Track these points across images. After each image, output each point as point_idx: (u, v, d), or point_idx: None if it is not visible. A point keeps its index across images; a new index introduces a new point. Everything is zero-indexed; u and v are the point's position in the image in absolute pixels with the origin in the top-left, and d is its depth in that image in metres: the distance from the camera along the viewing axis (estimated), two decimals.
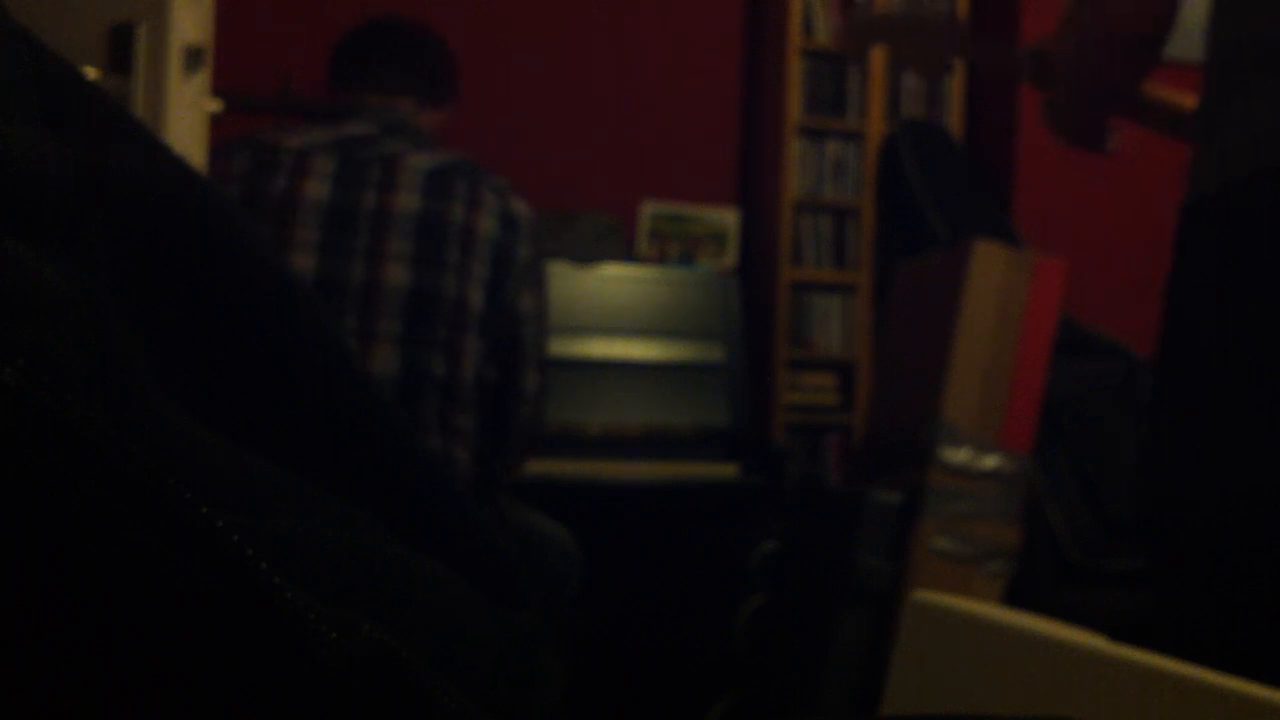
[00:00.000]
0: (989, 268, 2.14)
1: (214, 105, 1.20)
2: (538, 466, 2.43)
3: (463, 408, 1.51)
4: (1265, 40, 0.87)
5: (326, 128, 1.53)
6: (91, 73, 0.99)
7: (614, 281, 2.93)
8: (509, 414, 1.59)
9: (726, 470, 2.73)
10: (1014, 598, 2.07)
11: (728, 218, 3.30)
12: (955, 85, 3.38)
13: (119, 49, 1.00)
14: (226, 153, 1.48)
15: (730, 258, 3.28)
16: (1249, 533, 0.85)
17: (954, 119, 3.37)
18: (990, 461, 2.10)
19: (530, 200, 1.64)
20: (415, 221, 1.49)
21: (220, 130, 1.32)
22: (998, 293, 2.14)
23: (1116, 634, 0.62)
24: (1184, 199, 0.95)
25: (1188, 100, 1.08)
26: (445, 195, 1.51)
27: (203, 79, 1.12)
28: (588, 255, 2.95)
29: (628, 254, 3.12)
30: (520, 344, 1.58)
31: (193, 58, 1.07)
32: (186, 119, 1.08)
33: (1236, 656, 0.63)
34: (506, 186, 1.59)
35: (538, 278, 1.62)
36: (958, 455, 2.08)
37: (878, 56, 3.30)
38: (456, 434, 1.51)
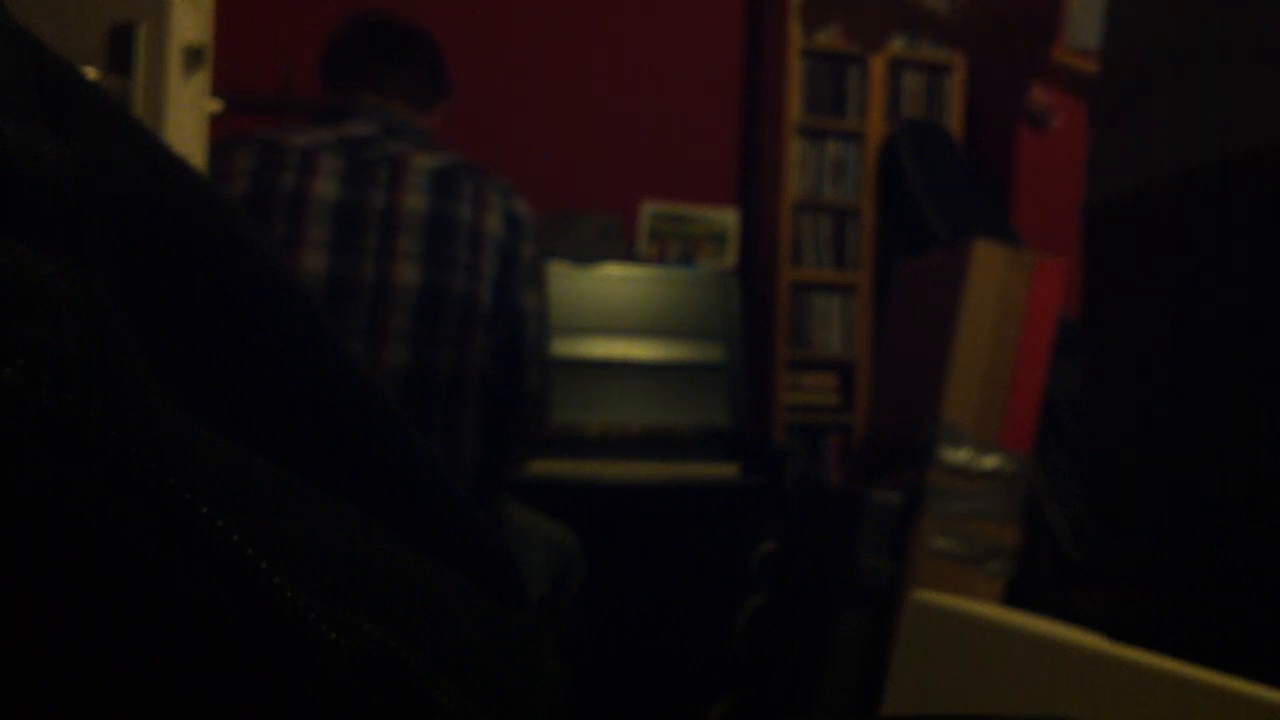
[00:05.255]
0: (989, 268, 2.14)
1: (214, 105, 1.20)
2: (538, 466, 2.43)
3: (471, 406, 1.52)
4: (1180, 37, 0.87)
5: (329, 127, 1.54)
6: (91, 73, 0.99)
7: (614, 281, 2.93)
8: (511, 412, 1.59)
9: (726, 470, 2.73)
10: (1014, 598, 2.07)
11: (728, 218, 3.30)
12: (955, 85, 3.38)
13: (119, 49, 1.00)
14: (229, 149, 1.48)
15: (730, 258, 3.28)
16: (1195, 534, 0.85)
17: (954, 119, 3.37)
18: (990, 461, 2.10)
19: (530, 200, 1.64)
20: (424, 221, 1.49)
21: (220, 130, 1.32)
22: (998, 293, 2.14)
23: (1116, 634, 0.62)
24: (1109, 195, 0.95)
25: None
26: (452, 195, 1.52)
27: (203, 79, 1.12)
28: (588, 255, 2.95)
29: (628, 254, 3.12)
30: (522, 343, 1.58)
31: (193, 58, 1.07)
32: (186, 119, 1.08)
33: (1236, 656, 0.63)
34: (508, 187, 1.60)
35: (539, 277, 1.63)
36: (958, 455, 2.08)
37: (878, 56, 3.30)
38: (464, 431, 1.51)
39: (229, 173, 1.46)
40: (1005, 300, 2.14)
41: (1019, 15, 1.12)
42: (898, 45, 3.30)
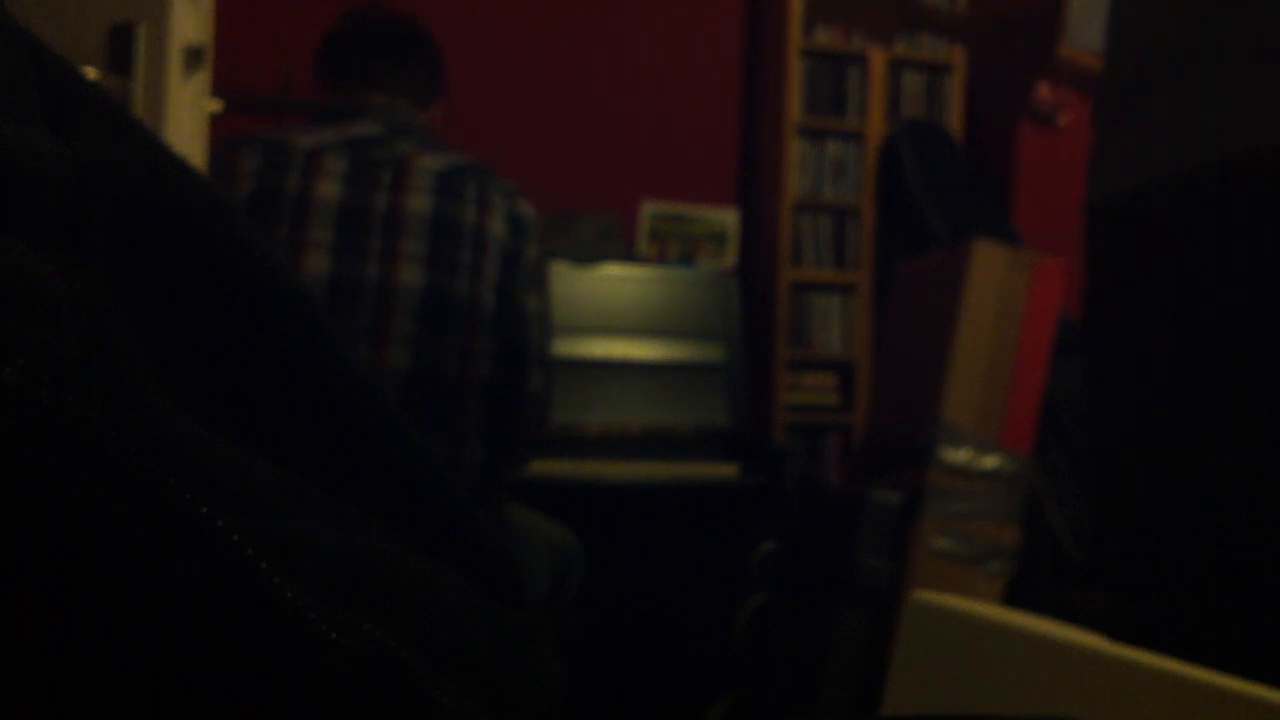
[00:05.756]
0: (989, 268, 2.14)
1: (214, 105, 1.20)
2: (538, 466, 2.43)
3: (473, 408, 1.52)
4: (1181, 37, 0.88)
5: (335, 127, 1.53)
6: (91, 73, 0.99)
7: (614, 281, 2.93)
8: (513, 414, 1.59)
9: (726, 470, 2.73)
10: (1014, 598, 2.07)
11: (728, 218, 3.30)
12: (955, 85, 3.38)
13: (119, 49, 1.00)
14: (234, 150, 1.48)
15: (730, 258, 3.28)
16: (1195, 534, 0.85)
17: (954, 119, 3.37)
18: (990, 461, 2.10)
19: (530, 200, 1.64)
20: (428, 223, 1.49)
21: (220, 130, 1.32)
22: (998, 293, 2.14)
23: (1116, 634, 0.62)
24: (1110, 195, 0.95)
25: None
26: (456, 197, 1.52)
27: (203, 79, 1.12)
28: (588, 255, 2.95)
29: (628, 254, 3.12)
30: (525, 345, 1.58)
31: (193, 58, 1.07)
32: (186, 119, 1.08)
33: (1236, 656, 0.63)
34: (513, 189, 1.59)
35: (542, 279, 1.63)
36: (958, 455, 2.08)
37: (878, 56, 3.30)
38: (465, 433, 1.51)
39: (234, 174, 1.46)
40: (1005, 300, 2.14)
41: (1020, 15, 1.12)
42: (898, 45, 3.30)
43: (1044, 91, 1.22)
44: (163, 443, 0.24)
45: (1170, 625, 0.85)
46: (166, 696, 0.19)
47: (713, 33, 3.43)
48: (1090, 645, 0.56)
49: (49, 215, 0.23)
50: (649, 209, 3.23)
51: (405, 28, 1.67)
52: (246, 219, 0.33)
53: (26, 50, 0.27)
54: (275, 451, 0.28)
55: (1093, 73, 1.17)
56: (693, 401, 2.87)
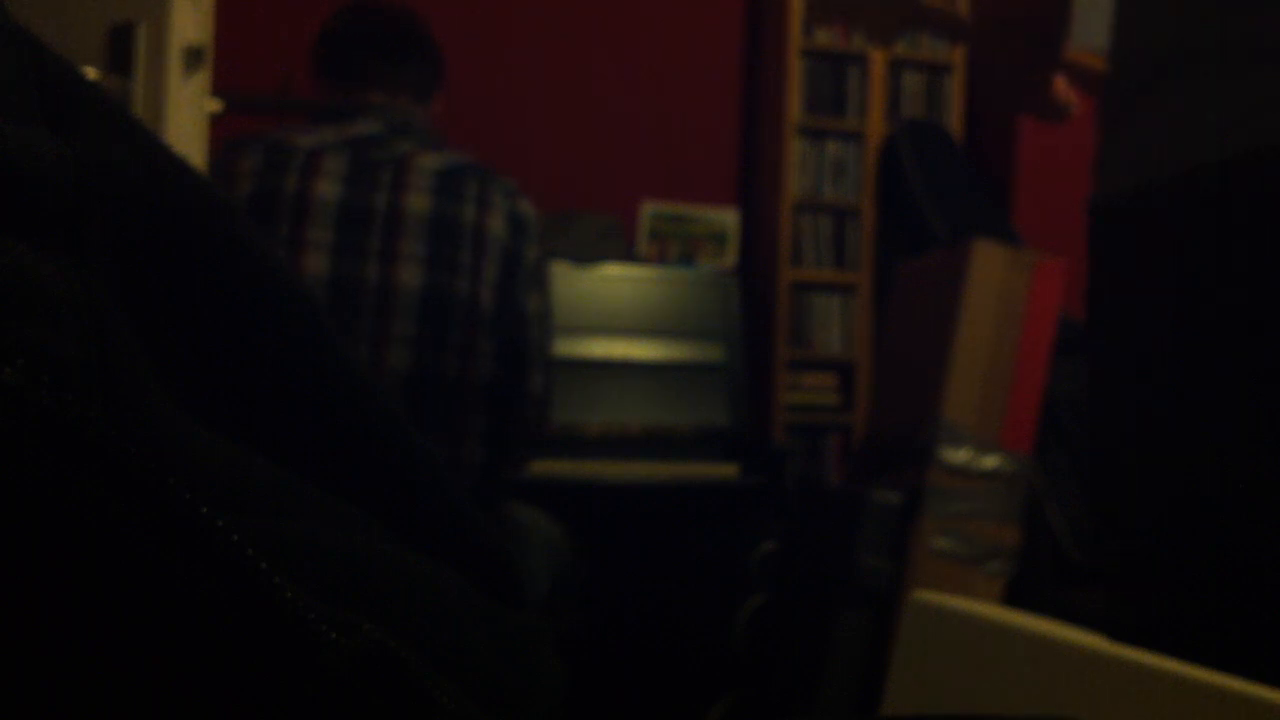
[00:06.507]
0: (989, 268, 2.14)
1: (214, 105, 1.20)
2: (538, 466, 2.43)
3: (473, 408, 1.52)
4: (1181, 37, 0.88)
5: (335, 127, 1.53)
6: (91, 73, 0.99)
7: (614, 281, 2.93)
8: (513, 415, 1.59)
9: (726, 470, 2.73)
10: (1014, 598, 2.07)
11: (728, 218, 3.30)
12: (955, 85, 3.38)
13: (119, 49, 1.01)
14: (236, 150, 1.48)
15: (730, 258, 3.28)
16: (1195, 534, 0.85)
17: (954, 119, 3.37)
18: (990, 461, 2.10)
19: (530, 200, 1.64)
20: (427, 223, 1.49)
21: (220, 130, 1.32)
22: (998, 293, 2.14)
23: (1116, 634, 0.62)
24: (1096, 196, 0.96)
25: None
26: (456, 196, 1.51)
27: (203, 79, 1.12)
28: (588, 255, 2.95)
29: (628, 254, 3.12)
30: (525, 345, 1.58)
31: (193, 58, 1.07)
32: (186, 119, 1.08)
33: (1236, 656, 0.63)
34: (514, 188, 1.59)
35: (542, 279, 1.62)
36: (958, 455, 2.08)
37: (878, 56, 3.30)
38: (466, 434, 1.51)
39: (234, 174, 1.46)
40: (1005, 300, 2.14)
41: (1021, 15, 1.12)
42: (898, 45, 3.30)
43: (1060, 86, 1.22)
44: (163, 443, 0.24)
45: (1170, 625, 0.85)
46: (167, 696, 0.19)
47: (713, 33, 3.43)
48: (1090, 645, 0.56)
49: (49, 215, 0.23)
50: (649, 209, 3.23)
51: (404, 24, 1.66)
52: (246, 219, 0.33)
53: (26, 50, 0.27)
54: (275, 451, 0.28)
55: (1095, 72, 1.17)
56: (693, 401, 2.87)
